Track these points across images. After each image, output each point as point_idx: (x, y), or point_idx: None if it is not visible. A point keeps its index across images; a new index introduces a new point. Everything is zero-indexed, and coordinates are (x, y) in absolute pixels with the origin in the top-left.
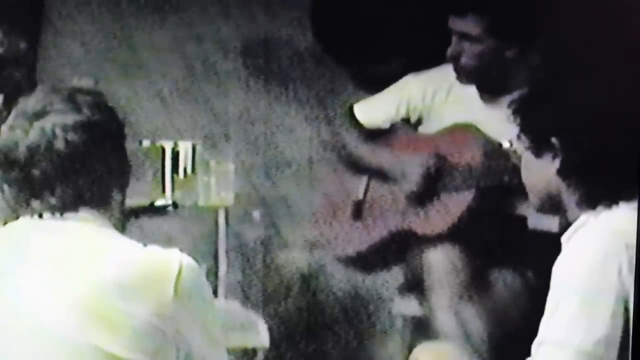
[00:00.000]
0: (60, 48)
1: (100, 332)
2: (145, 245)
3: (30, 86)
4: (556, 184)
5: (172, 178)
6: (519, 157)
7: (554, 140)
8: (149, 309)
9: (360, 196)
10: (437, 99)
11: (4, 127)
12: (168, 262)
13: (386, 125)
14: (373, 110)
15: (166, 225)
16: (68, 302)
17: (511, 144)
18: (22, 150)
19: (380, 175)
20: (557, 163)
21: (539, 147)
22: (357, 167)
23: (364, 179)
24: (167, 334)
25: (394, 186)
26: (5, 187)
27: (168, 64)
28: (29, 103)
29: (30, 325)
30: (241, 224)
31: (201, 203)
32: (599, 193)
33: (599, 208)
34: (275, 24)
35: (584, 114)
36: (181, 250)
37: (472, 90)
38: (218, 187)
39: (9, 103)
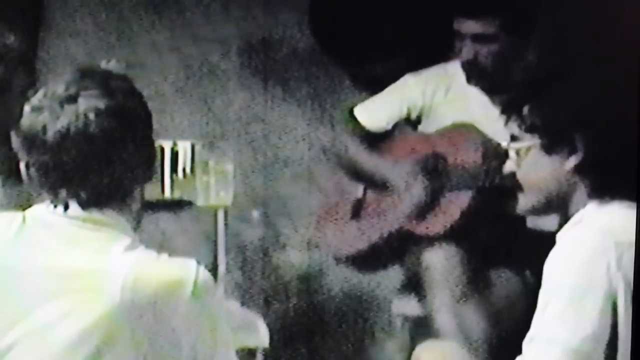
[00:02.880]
0: (59, 47)
1: (110, 351)
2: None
3: (28, 86)
4: (568, 180)
5: (171, 178)
6: (521, 157)
7: (576, 135)
8: (162, 326)
9: (360, 196)
10: (436, 98)
11: (27, 108)
12: (182, 280)
13: (389, 127)
14: (375, 112)
15: (165, 225)
16: (77, 325)
17: (508, 145)
18: (51, 134)
19: (379, 175)
20: (574, 159)
21: (552, 144)
22: (356, 169)
23: (363, 179)
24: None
25: (394, 186)
26: (33, 170)
27: (167, 63)
28: (59, 85)
29: (41, 343)
30: (240, 223)
31: (200, 203)
32: (611, 188)
33: (603, 203)
34: (275, 24)
35: (607, 107)
36: (180, 249)
37: (471, 90)
38: (217, 187)
39: (8, 103)
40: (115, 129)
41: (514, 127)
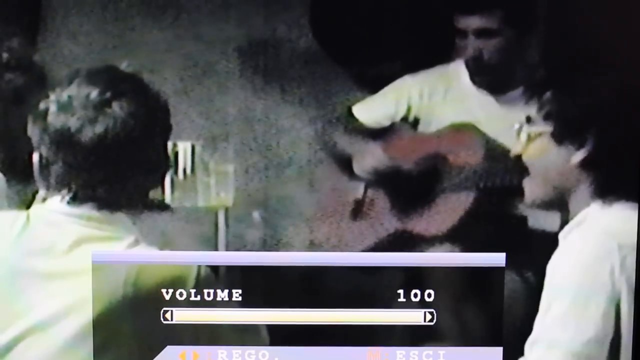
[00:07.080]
0: (57, 48)
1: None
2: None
3: (29, 88)
4: (573, 174)
5: (172, 178)
6: (530, 141)
7: (587, 130)
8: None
9: (360, 196)
10: (435, 99)
11: (53, 107)
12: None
13: (387, 123)
14: (373, 110)
15: (165, 225)
16: (80, 321)
17: (521, 126)
18: (87, 137)
19: (379, 175)
20: (581, 154)
21: (563, 135)
22: (356, 169)
23: (364, 179)
24: None
25: (394, 186)
26: (55, 167)
27: (167, 63)
28: (92, 88)
29: (42, 343)
30: (241, 224)
31: (200, 204)
32: (615, 189)
33: (607, 204)
34: (275, 24)
35: (620, 104)
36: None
37: (473, 90)
38: (217, 188)
39: (12, 107)
40: (144, 134)
41: (532, 110)
